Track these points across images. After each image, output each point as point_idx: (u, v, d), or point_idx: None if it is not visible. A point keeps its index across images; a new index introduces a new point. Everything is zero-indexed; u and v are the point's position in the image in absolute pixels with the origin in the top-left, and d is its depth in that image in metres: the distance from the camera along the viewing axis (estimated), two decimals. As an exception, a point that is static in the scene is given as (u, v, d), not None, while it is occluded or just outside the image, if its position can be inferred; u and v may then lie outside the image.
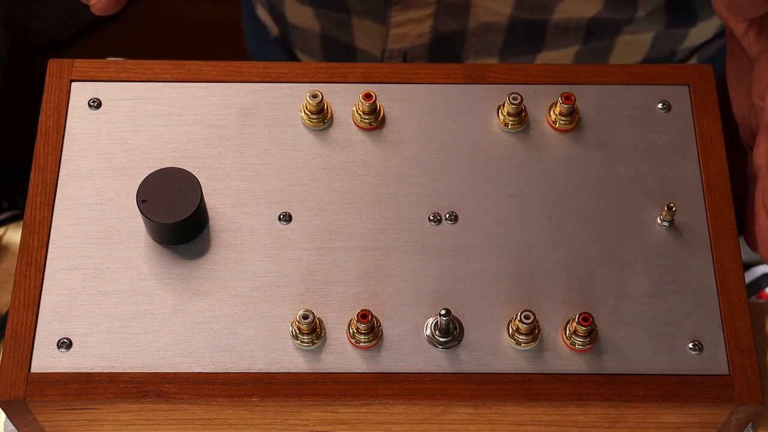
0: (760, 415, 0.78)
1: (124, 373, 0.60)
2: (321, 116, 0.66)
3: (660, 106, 0.68)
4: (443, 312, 0.60)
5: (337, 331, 0.61)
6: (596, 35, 0.89)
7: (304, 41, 0.96)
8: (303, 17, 0.93)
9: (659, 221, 0.64)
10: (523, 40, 0.88)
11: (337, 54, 0.94)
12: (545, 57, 0.90)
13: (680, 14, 0.89)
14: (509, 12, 0.85)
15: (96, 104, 0.67)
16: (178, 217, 0.61)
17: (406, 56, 0.89)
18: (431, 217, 0.64)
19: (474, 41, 0.88)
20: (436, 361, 0.61)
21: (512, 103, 0.66)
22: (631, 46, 0.90)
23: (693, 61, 0.96)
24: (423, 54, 0.89)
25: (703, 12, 0.89)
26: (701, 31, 0.92)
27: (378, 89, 0.67)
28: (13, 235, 0.93)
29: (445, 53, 0.89)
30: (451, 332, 0.61)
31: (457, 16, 0.86)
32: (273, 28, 1.00)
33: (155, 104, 0.67)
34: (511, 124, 0.66)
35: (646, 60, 0.93)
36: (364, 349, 0.61)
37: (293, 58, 0.99)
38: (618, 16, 0.87)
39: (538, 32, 0.87)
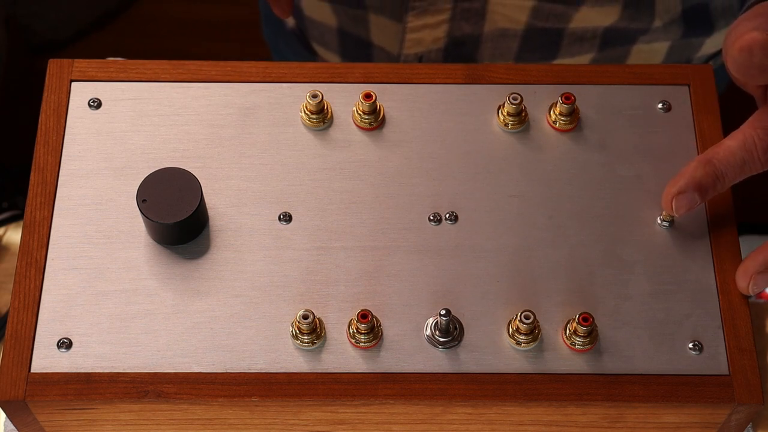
0: (760, 415, 0.78)
1: (124, 373, 0.60)
2: (321, 116, 0.66)
3: (660, 106, 0.68)
4: (443, 312, 0.60)
5: (337, 331, 0.61)
6: (612, 44, 0.88)
7: (321, 35, 0.96)
8: (320, 11, 0.93)
9: (659, 221, 0.64)
10: (539, 46, 0.88)
11: (355, 49, 0.94)
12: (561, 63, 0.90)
13: (697, 24, 0.88)
14: (525, 20, 0.85)
15: (96, 104, 0.67)
16: (178, 217, 0.61)
17: (421, 60, 0.89)
18: (431, 217, 0.64)
19: (489, 46, 0.88)
20: (436, 361, 0.61)
21: (512, 103, 0.66)
22: (647, 54, 0.90)
23: None
24: (438, 58, 0.89)
25: (720, 22, 0.89)
26: (717, 40, 0.91)
27: (378, 89, 0.67)
28: (13, 235, 0.93)
29: (460, 57, 0.89)
30: (451, 332, 0.61)
31: (472, 21, 0.85)
32: (289, 21, 1.00)
33: (155, 104, 0.67)
34: (511, 124, 0.66)
35: None
36: (364, 349, 0.61)
37: (310, 50, 0.99)
38: (635, 26, 0.87)
39: (554, 40, 0.87)
